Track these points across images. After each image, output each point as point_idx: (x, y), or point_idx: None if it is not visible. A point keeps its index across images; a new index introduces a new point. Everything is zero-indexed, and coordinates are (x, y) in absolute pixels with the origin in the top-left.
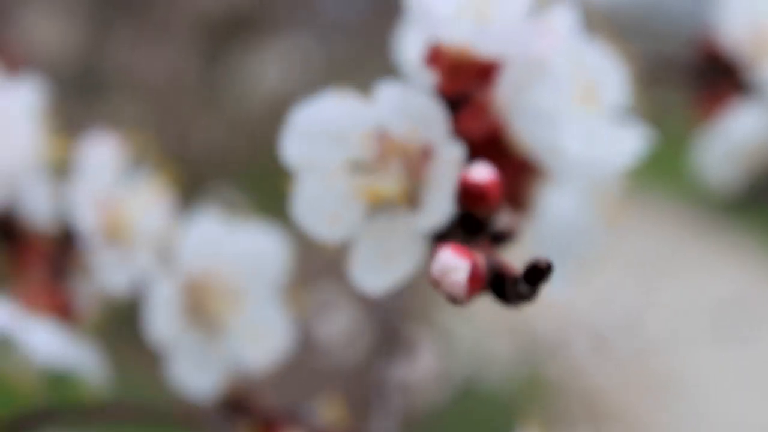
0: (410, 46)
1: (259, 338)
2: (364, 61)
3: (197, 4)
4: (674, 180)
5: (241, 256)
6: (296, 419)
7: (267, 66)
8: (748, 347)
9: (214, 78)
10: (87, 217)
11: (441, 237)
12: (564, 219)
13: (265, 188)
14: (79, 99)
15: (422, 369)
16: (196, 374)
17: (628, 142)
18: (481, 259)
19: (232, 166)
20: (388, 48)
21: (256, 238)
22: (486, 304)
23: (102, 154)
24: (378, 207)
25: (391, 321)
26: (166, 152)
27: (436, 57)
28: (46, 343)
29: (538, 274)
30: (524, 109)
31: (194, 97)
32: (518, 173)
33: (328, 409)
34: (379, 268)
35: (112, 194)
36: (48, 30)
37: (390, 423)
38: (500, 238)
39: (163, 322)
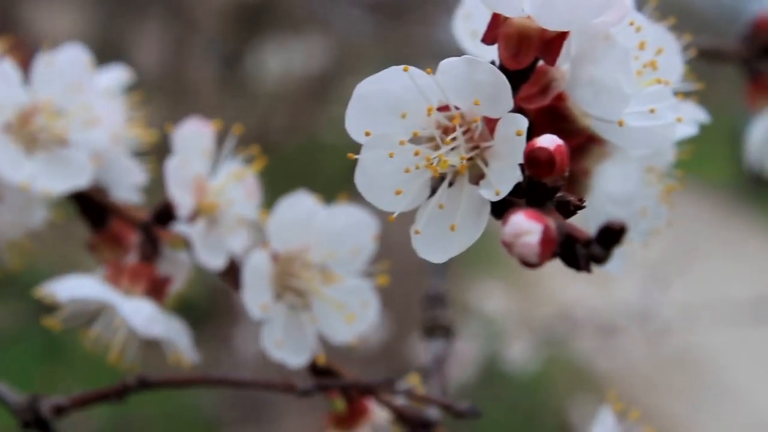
0: (467, 19)
1: (349, 313)
2: (383, 40)
3: None
4: (703, 163)
5: (333, 232)
6: (378, 390)
7: (282, 52)
8: None
9: (234, 67)
10: (184, 197)
11: (505, 206)
12: (622, 193)
13: (276, 167)
14: None
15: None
16: (287, 344)
17: (686, 117)
18: (552, 222)
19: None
20: (408, 26)
21: (348, 215)
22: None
23: (196, 137)
24: (441, 178)
25: (436, 306)
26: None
27: (499, 31)
28: (141, 313)
29: (612, 236)
30: (587, 82)
31: (214, 86)
32: (576, 146)
33: (405, 384)
34: (444, 238)
35: (205, 175)
36: (62, 22)
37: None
38: (564, 207)
39: (256, 294)
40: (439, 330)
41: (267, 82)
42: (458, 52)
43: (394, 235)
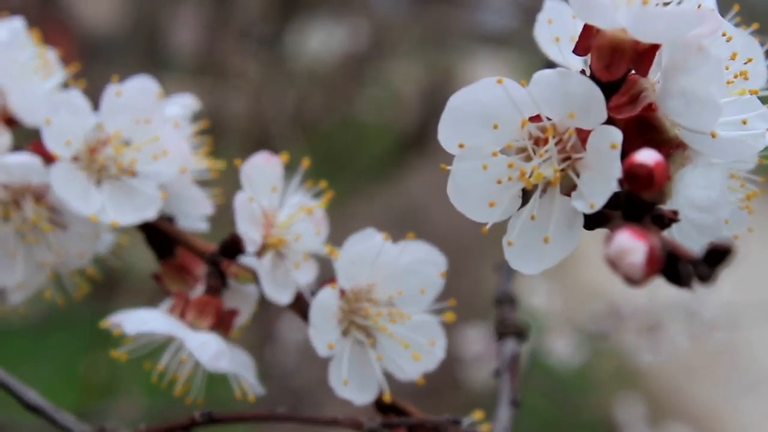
0: (548, 25)
1: (416, 350)
2: (420, 21)
3: None
4: None
5: (400, 269)
6: (444, 428)
7: (320, 33)
8: None
9: (273, 47)
10: (252, 232)
11: (599, 218)
12: (706, 199)
13: (314, 146)
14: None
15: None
16: (353, 381)
17: None
18: (656, 241)
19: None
20: (445, 6)
21: (416, 252)
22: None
23: (264, 171)
24: (533, 190)
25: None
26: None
27: (592, 42)
28: (208, 348)
29: (718, 256)
30: (679, 93)
31: (252, 67)
32: (663, 155)
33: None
34: (536, 250)
35: (273, 209)
36: (101, 4)
37: (514, 388)
38: (659, 221)
39: (323, 332)
40: (510, 331)
41: (305, 62)
42: (492, 37)
43: (437, 228)
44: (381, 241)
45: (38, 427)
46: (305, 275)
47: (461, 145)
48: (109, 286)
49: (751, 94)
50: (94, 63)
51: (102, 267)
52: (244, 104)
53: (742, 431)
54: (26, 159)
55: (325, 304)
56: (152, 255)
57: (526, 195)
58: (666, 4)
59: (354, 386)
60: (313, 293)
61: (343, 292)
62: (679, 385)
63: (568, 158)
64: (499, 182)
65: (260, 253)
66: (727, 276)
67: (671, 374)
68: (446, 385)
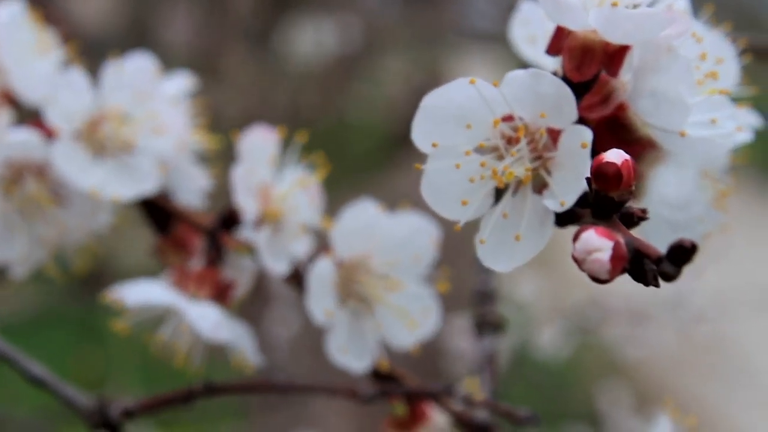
0: (524, 25)
1: (411, 319)
2: (412, 20)
3: None
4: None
5: (395, 239)
6: (439, 396)
7: (312, 31)
8: None
9: (265, 45)
10: (250, 204)
11: (570, 216)
12: (678, 197)
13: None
14: None
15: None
16: (351, 350)
17: (743, 125)
18: (622, 239)
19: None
20: (436, 5)
21: (410, 222)
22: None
23: (261, 145)
24: (505, 188)
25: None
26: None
27: (564, 43)
28: (208, 319)
29: (683, 254)
30: (649, 93)
31: (244, 64)
32: (634, 155)
33: (464, 388)
34: (508, 247)
35: (271, 182)
36: (96, 5)
37: (494, 383)
38: (628, 219)
39: (321, 299)
40: (488, 326)
41: (297, 60)
42: (484, 37)
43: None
44: (376, 211)
45: (31, 422)
46: (301, 247)
47: (435, 145)
48: (97, 283)
49: (721, 94)
50: (87, 61)
51: (101, 242)
52: (237, 103)
53: (728, 422)
54: (26, 136)
55: (323, 272)
56: (142, 249)
57: (498, 194)
58: (637, 5)
59: (351, 354)
60: (310, 262)
61: (339, 263)
62: (666, 376)
63: (539, 157)
64: (472, 181)
65: (258, 225)
66: (715, 268)
67: (658, 366)
68: (431, 378)
